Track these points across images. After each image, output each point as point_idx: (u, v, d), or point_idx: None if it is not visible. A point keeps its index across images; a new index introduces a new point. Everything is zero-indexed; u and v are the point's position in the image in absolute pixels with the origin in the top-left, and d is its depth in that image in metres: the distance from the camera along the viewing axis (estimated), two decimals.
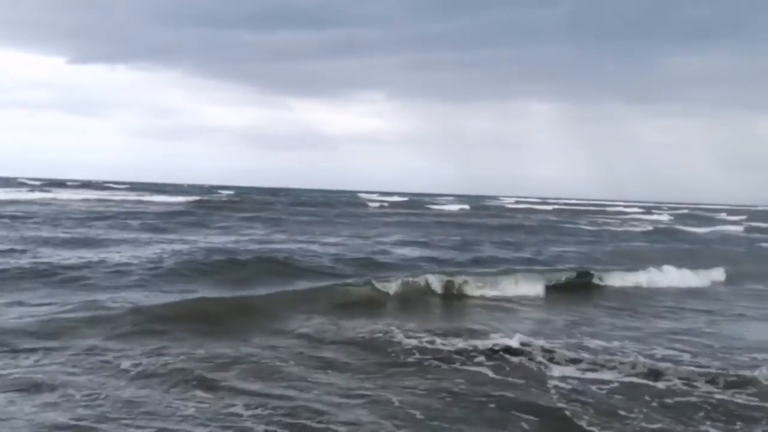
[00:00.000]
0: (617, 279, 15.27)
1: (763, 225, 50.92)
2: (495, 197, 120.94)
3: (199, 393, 6.08)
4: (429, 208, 57.18)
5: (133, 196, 49.89)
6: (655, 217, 59.83)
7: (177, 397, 5.98)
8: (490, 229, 31.80)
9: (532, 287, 13.13)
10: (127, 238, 19.04)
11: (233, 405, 5.80)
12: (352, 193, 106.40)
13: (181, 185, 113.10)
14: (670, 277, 15.82)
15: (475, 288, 12.61)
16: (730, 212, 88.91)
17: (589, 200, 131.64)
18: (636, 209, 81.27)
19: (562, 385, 6.72)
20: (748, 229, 42.88)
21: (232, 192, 78.32)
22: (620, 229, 38.15)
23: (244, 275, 12.87)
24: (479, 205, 70.55)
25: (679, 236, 34.01)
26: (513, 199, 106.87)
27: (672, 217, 61.48)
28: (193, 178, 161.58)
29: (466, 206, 63.88)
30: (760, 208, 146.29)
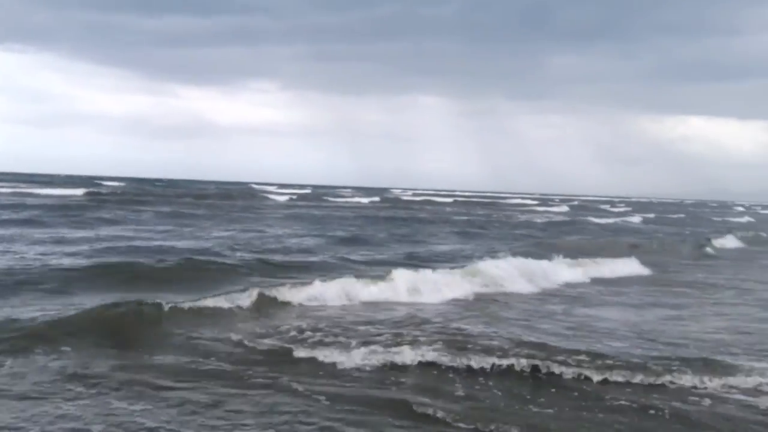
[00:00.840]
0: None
1: (650, 215, 53.88)
2: (388, 189, 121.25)
3: None
4: (334, 201, 56.00)
5: (6, 188, 44.86)
6: (555, 209, 62.03)
7: None
8: (409, 221, 31.22)
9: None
10: None
11: None
12: (246, 185, 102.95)
13: (57, 176, 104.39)
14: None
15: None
16: (613, 203, 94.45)
17: (480, 192, 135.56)
18: (530, 201, 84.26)
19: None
20: (646, 221, 45.29)
21: (118, 184, 73.04)
22: (540, 220, 38.90)
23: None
24: (386, 197, 70.14)
25: (589, 227, 35.11)
26: (410, 192, 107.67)
27: (569, 209, 64.15)
28: (73, 169, 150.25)
29: (376, 198, 63.32)
30: (633, 199, 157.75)
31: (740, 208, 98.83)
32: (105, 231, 19.78)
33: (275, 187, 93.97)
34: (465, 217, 37.88)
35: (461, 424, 5.42)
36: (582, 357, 7.13)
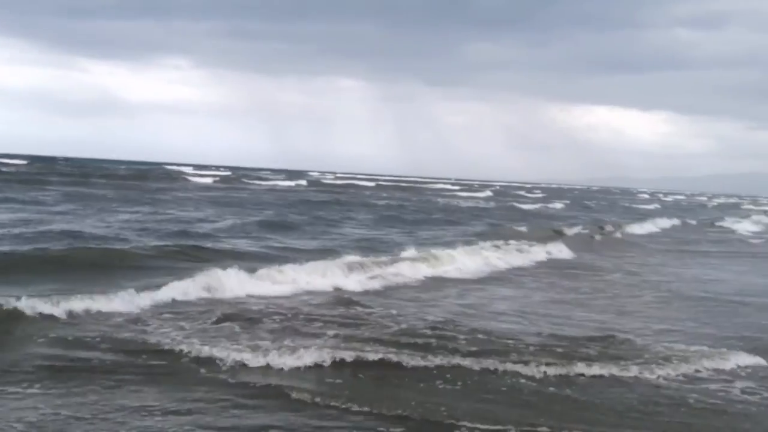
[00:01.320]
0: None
1: (566, 201, 55.75)
2: (307, 171, 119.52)
3: None
4: (257, 184, 54.54)
5: None
6: (480, 194, 63.18)
7: None
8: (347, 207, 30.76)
9: None
10: None
11: None
12: (160, 166, 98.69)
13: None
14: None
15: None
16: (527, 189, 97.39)
17: (400, 177, 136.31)
18: (450, 186, 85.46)
19: None
20: (568, 207, 46.95)
21: (18, 162, 67.98)
22: (468, 205, 39.27)
23: None
24: (312, 180, 69.08)
25: (517, 212, 35.93)
26: (332, 175, 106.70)
27: (493, 194, 65.65)
28: None
29: (302, 182, 62.29)
30: (544, 185, 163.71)
31: (645, 195, 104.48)
32: None
33: (191, 168, 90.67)
34: (400, 203, 37.79)
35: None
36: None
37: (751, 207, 72.50)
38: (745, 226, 34.47)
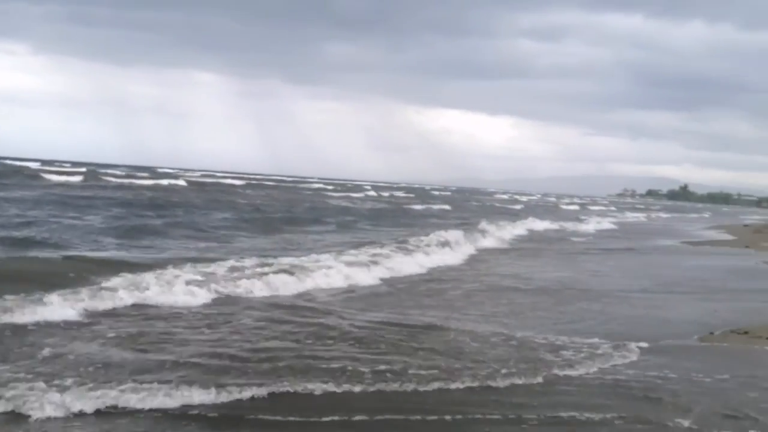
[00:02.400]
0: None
1: (446, 206, 57.36)
2: (157, 168, 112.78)
3: None
4: (109, 182, 50.03)
5: None
6: (358, 194, 63.38)
7: None
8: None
9: None
10: None
11: None
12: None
13: None
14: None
15: None
16: (392, 189, 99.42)
17: (266, 175, 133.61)
18: (322, 185, 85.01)
19: None
20: (454, 208, 48.56)
21: None
22: (366, 206, 38.98)
23: None
24: (177, 176, 65.29)
25: (413, 214, 36.52)
26: (200, 173, 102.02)
27: (377, 194, 66.41)
28: None
29: (164, 181, 58.47)
30: (404, 185, 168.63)
31: (505, 196, 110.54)
32: None
33: (37, 163, 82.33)
34: (287, 205, 36.80)
35: None
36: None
37: (600, 208, 79.74)
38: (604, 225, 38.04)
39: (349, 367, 6.12)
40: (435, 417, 5.15)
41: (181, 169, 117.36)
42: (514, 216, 40.38)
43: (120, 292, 8.49)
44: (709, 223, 54.04)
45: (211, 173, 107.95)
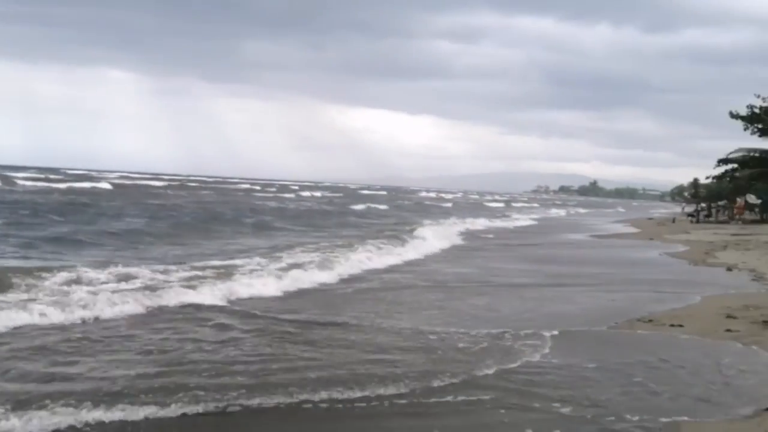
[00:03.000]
0: None
1: (383, 206, 58.34)
2: (62, 170, 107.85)
3: None
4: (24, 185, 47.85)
5: None
6: (306, 193, 63.25)
7: None
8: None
9: None
10: None
11: None
12: None
13: None
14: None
15: None
16: (310, 188, 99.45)
17: (187, 176, 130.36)
18: (249, 186, 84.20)
19: None
20: (392, 207, 49.79)
21: None
22: (317, 207, 39.15)
23: None
24: (93, 178, 63.04)
25: (354, 215, 37.15)
26: (117, 174, 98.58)
27: (321, 195, 66.32)
28: None
29: (79, 183, 56.58)
30: (328, 184, 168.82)
31: (432, 194, 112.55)
32: None
33: None
34: (221, 206, 36.58)
35: None
36: None
37: (523, 204, 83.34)
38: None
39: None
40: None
41: (95, 171, 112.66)
42: (446, 213, 42.20)
43: None
44: (621, 217, 57.69)
45: (127, 174, 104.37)
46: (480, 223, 34.58)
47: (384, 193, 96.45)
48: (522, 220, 42.77)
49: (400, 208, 50.39)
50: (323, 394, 5.58)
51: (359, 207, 45.29)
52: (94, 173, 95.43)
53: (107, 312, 8.26)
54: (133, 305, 8.62)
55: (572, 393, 5.84)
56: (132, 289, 9.64)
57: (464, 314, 9.47)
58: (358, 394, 5.66)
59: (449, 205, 65.60)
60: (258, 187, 79.86)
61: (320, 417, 5.24)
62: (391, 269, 14.40)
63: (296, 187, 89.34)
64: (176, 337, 7.42)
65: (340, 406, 5.45)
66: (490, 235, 27.69)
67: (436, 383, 5.98)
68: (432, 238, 21.27)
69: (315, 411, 5.34)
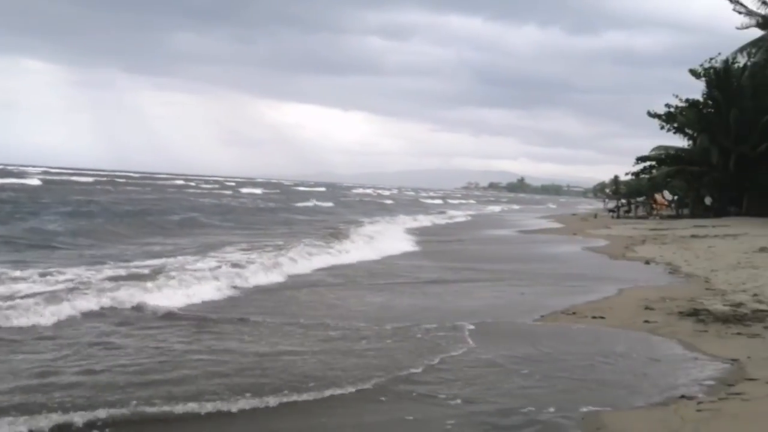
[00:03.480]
0: None
1: (329, 203, 57.84)
2: None
3: None
4: None
5: None
6: (246, 190, 62.02)
7: None
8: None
9: None
10: None
11: None
12: None
13: None
14: None
15: None
16: (254, 185, 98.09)
17: (113, 171, 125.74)
18: (183, 182, 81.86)
19: None
20: (337, 204, 49.48)
21: None
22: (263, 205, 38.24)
23: None
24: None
25: (298, 214, 36.61)
26: (39, 169, 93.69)
27: (262, 192, 65.04)
28: None
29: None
30: (261, 180, 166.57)
31: (369, 191, 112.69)
32: None
33: None
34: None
35: None
36: None
37: (461, 201, 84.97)
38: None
39: None
40: None
41: (12, 165, 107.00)
42: (390, 210, 42.47)
43: None
44: (549, 213, 59.52)
45: (48, 170, 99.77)
46: (426, 219, 35.18)
47: (323, 189, 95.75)
48: (459, 217, 43.75)
49: (345, 205, 50.38)
50: (209, 406, 5.16)
51: (308, 204, 45.02)
52: (12, 168, 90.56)
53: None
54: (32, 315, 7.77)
55: (493, 385, 5.86)
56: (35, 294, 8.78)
57: (381, 309, 9.44)
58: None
59: (390, 202, 65.82)
60: (192, 183, 77.78)
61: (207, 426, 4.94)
62: (330, 269, 14.00)
63: (233, 183, 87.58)
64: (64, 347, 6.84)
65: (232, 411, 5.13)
66: (433, 235, 27.93)
67: (344, 383, 5.81)
68: (386, 237, 21.38)
69: (201, 419, 5.01)
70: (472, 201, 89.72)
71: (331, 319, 8.54)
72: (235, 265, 12.51)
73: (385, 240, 20.58)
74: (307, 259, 14.57)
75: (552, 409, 5.24)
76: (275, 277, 12.05)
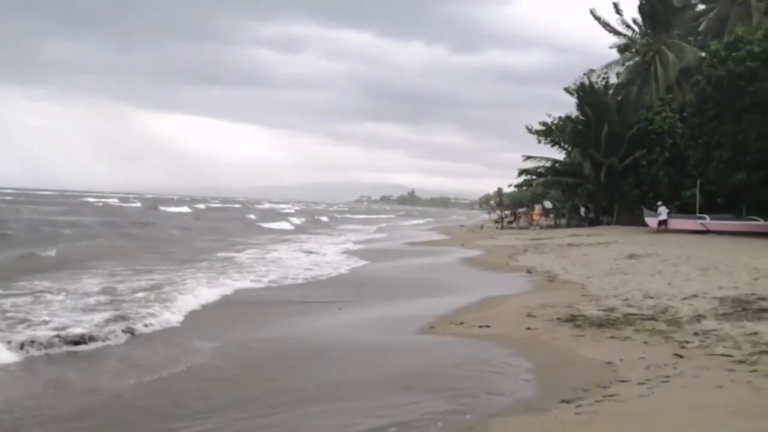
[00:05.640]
0: None
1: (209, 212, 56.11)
2: None
3: None
4: None
5: None
6: (131, 205, 58.51)
7: None
8: None
9: None
10: None
11: None
12: None
13: None
14: None
15: None
16: (133, 200, 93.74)
17: None
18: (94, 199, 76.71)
19: None
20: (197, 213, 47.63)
21: None
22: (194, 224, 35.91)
23: None
24: None
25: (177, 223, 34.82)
26: None
27: (141, 205, 61.41)
28: None
29: None
30: (148, 196, 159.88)
31: (272, 205, 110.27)
32: None
33: None
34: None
35: None
36: None
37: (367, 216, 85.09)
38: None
39: None
40: None
41: None
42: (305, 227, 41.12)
43: None
44: (439, 225, 60.91)
45: None
46: (357, 238, 34.30)
47: (217, 204, 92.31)
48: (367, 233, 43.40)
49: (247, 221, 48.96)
50: None
51: (172, 209, 43.15)
52: None
53: None
54: None
55: (378, 400, 5.80)
56: None
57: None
58: None
59: (301, 220, 60.99)
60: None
61: None
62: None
63: (114, 199, 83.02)
64: None
65: None
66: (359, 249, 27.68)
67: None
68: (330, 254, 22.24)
69: None
70: (392, 215, 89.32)
71: None
72: None
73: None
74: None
75: (440, 425, 5.27)
76: None
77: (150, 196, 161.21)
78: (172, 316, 10.08)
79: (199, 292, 12.33)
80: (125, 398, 6.24)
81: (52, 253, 18.57)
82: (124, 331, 8.80)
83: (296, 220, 56.98)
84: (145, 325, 9.24)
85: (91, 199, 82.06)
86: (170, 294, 11.87)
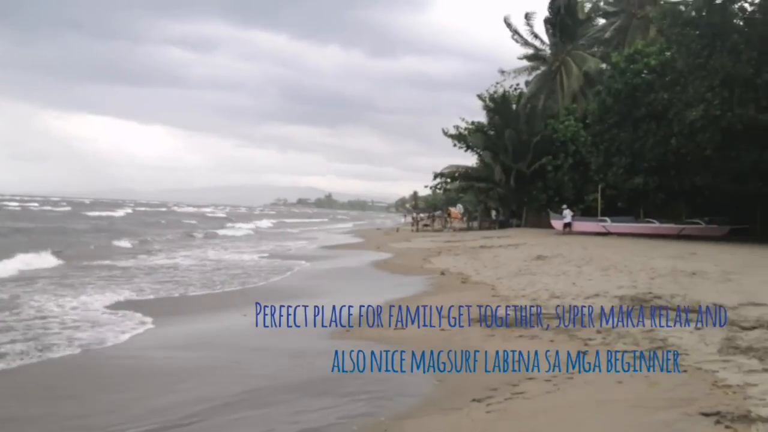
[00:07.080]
0: None
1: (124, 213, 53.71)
2: None
3: None
4: None
5: None
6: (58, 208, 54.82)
7: None
8: None
9: None
10: None
11: None
12: None
13: None
14: None
15: None
16: (43, 202, 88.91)
17: None
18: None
19: None
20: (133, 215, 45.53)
21: None
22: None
23: None
24: None
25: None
26: None
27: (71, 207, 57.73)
28: None
29: None
30: (57, 198, 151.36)
31: (189, 209, 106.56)
32: None
33: None
34: None
35: None
36: None
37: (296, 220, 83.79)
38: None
39: None
40: None
41: None
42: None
43: None
44: (356, 228, 60.98)
45: None
46: (294, 245, 32.91)
47: (130, 211, 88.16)
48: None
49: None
50: None
51: (92, 213, 41.14)
52: None
53: None
54: None
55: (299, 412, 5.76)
56: None
57: None
58: None
59: (234, 224, 58.54)
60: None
61: None
62: None
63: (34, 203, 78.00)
64: None
65: None
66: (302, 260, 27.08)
67: None
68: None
69: None
70: (317, 219, 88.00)
71: None
72: None
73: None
74: None
75: (355, 428, 5.31)
76: None
77: (55, 198, 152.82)
78: None
79: None
80: None
81: None
82: None
83: (243, 225, 56.10)
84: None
85: None
86: None
